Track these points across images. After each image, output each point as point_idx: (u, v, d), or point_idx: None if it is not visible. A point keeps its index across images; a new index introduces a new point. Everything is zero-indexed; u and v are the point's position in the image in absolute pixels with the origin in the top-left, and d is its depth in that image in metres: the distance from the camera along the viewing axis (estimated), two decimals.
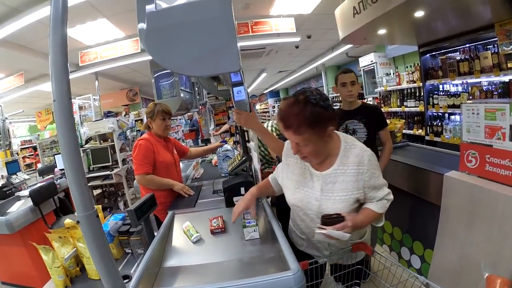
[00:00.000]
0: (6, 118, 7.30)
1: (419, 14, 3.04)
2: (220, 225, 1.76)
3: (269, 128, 4.08)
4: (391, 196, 1.52)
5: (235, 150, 3.10)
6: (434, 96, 4.69)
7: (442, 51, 4.56)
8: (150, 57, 4.27)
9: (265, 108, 22.70)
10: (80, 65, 5.93)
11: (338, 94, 2.88)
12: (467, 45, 4.14)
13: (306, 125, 1.27)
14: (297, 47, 7.46)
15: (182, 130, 10.78)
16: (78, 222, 1.13)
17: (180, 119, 11.10)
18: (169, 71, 3.70)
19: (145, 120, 4.91)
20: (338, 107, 2.80)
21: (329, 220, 1.31)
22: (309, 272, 1.40)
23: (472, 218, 2.00)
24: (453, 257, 2.15)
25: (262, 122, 4.10)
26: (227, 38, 1.22)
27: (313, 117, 1.27)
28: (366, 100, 8.17)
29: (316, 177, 1.47)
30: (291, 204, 1.58)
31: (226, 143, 3.07)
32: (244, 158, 2.28)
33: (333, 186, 1.43)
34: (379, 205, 1.48)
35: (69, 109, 1.08)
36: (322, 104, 1.29)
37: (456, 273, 2.11)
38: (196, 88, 4.52)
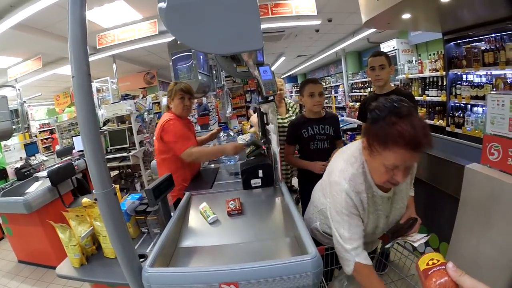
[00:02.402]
0: (25, 102, 7.44)
1: None
2: (237, 207, 1.76)
3: (289, 106, 3.99)
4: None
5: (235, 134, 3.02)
6: (457, 86, 4.55)
7: (467, 39, 4.39)
8: (167, 39, 4.29)
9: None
10: (97, 47, 5.96)
11: None
12: (493, 35, 3.99)
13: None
14: (317, 31, 7.30)
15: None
16: (95, 200, 1.14)
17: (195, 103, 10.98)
18: (187, 53, 3.69)
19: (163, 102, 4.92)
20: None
21: (401, 229, 1.33)
22: (324, 258, 1.39)
23: (491, 213, 1.95)
24: (468, 253, 2.10)
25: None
26: (250, 14, 1.19)
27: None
28: None
29: (386, 198, 1.40)
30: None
31: (227, 128, 2.88)
32: (263, 141, 2.27)
33: (397, 196, 1.42)
34: (412, 189, 1.55)
35: (88, 85, 1.08)
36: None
37: (470, 269, 2.07)
38: (214, 72, 4.50)
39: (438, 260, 0.75)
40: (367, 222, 1.38)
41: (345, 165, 1.37)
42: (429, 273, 0.73)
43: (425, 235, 1.37)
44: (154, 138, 2.59)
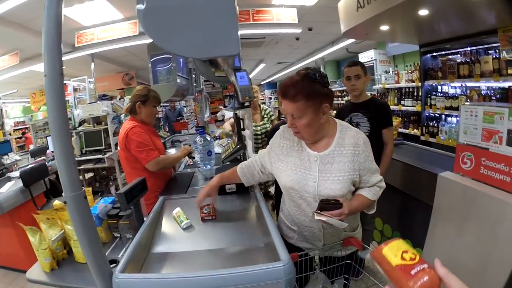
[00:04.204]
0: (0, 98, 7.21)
1: (424, 12, 3.00)
2: (211, 213, 1.74)
3: (264, 113, 4.03)
4: (384, 184, 1.57)
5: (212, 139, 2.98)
6: (432, 97, 4.68)
7: (443, 52, 4.53)
8: (147, 41, 4.25)
9: (261, 100, 22.53)
10: (76, 45, 5.83)
11: None
12: (469, 48, 4.12)
13: (302, 95, 1.34)
14: (297, 39, 7.40)
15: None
16: (65, 202, 1.10)
17: (163, 107, 10.83)
18: (166, 56, 3.66)
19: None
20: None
21: (327, 205, 1.33)
22: (298, 265, 1.39)
23: (464, 220, 2.01)
24: (442, 258, 2.14)
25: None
26: (228, 20, 1.19)
27: (309, 88, 1.34)
28: None
29: (313, 157, 1.48)
30: (287, 187, 1.55)
31: (204, 133, 2.73)
32: (238, 146, 2.26)
33: (330, 166, 1.45)
34: (372, 192, 1.52)
35: (60, 85, 1.04)
36: (320, 80, 1.37)
37: None
38: (193, 75, 4.48)
39: (415, 255, 0.65)
40: (290, 173, 1.52)
41: None
42: (411, 272, 0.61)
43: (343, 224, 1.35)
44: (118, 148, 2.53)
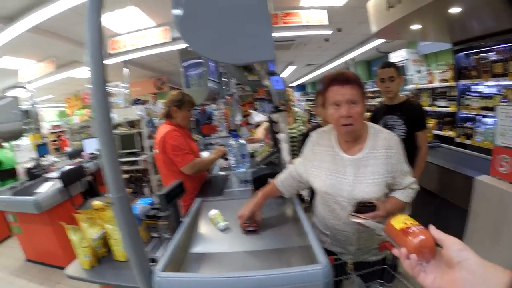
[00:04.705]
0: (36, 103, 7.54)
1: (455, 10, 2.93)
2: (254, 225, 1.70)
3: (296, 116, 4.02)
4: (417, 186, 1.57)
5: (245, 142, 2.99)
6: (466, 97, 4.54)
7: (476, 50, 4.39)
8: (179, 47, 4.34)
9: (292, 103, 22.19)
10: (110, 52, 6.03)
11: None
12: (502, 46, 3.97)
13: (356, 81, 1.39)
14: (326, 40, 7.31)
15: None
16: (109, 203, 1.16)
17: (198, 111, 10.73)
18: (198, 60, 3.73)
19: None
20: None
21: (363, 207, 1.34)
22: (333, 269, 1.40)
23: (500, 225, 1.94)
24: None
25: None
26: (263, 26, 1.21)
27: (361, 81, 1.42)
28: None
29: (348, 161, 1.49)
30: (322, 192, 1.56)
31: (237, 136, 2.79)
32: (273, 150, 2.28)
33: (365, 169, 1.46)
34: (405, 194, 1.53)
35: (105, 91, 1.10)
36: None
37: None
38: (224, 79, 4.54)
39: (414, 222, 0.79)
40: (325, 178, 1.53)
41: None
42: (409, 230, 0.76)
43: (380, 225, 1.34)
44: (156, 151, 2.57)
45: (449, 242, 0.68)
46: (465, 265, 0.64)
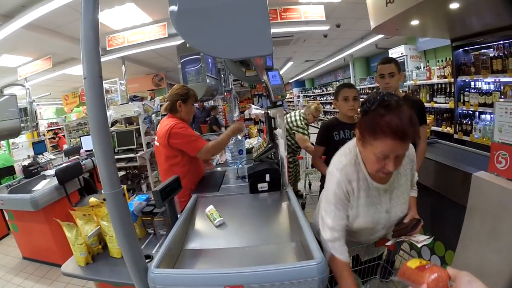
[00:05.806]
0: (34, 101, 7.53)
1: (454, 6, 2.91)
2: None
3: (297, 117, 4.07)
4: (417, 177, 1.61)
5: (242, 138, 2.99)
6: (465, 93, 4.51)
7: (476, 46, 4.36)
8: (176, 43, 4.32)
9: (289, 98, 22.33)
10: (107, 49, 6.02)
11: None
12: (502, 42, 3.95)
13: (413, 138, 1.18)
14: (325, 36, 7.31)
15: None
16: (104, 200, 1.16)
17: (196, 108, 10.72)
18: (196, 56, 3.72)
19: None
20: None
21: (403, 230, 1.40)
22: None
23: (498, 222, 1.93)
24: (474, 261, 2.08)
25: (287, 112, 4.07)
26: (260, 20, 1.20)
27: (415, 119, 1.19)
28: None
29: (382, 190, 1.41)
30: (360, 229, 1.46)
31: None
32: (270, 145, 2.27)
33: (397, 191, 1.44)
34: (415, 190, 1.58)
35: (100, 87, 1.09)
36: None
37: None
38: (222, 75, 4.53)
39: (429, 262, 0.88)
40: (363, 215, 1.41)
41: (339, 157, 1.44)
42: (426, 267, 0.85)
43: (428, 236, 1.38)
44: (157, 145, 2.53)
45: (460, 275, 0.78)
46: None
